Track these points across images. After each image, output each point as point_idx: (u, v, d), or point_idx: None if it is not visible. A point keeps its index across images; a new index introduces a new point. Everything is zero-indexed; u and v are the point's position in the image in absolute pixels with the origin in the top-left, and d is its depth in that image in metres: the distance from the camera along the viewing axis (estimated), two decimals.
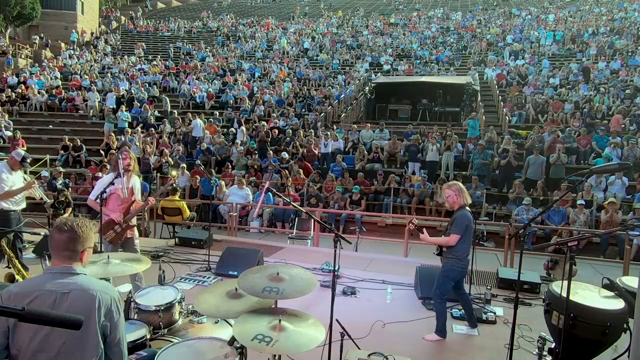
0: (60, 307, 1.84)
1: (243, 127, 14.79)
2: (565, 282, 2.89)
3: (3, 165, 5.20)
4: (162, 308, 2.96)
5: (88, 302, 1.89)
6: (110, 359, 2.02)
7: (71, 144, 14.11)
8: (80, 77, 21.19)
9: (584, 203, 8.94)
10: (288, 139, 13.93)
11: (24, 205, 5.44)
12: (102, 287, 1.99)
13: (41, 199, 5.82)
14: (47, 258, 5.32)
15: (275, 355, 2.67)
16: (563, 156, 10.77)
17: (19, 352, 1.84)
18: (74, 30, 27.72)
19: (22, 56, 24.85)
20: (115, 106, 17.00)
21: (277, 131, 14.44)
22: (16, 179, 5.25)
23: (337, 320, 3.21)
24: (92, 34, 29.33)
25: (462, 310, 4.64)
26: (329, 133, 13.29)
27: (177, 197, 8.90)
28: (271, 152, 12.63)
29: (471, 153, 11.76)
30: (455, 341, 4.30)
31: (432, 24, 29.99)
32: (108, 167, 8.43)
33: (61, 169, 11.52)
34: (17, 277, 4.48)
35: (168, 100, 17.79)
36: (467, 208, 4.19)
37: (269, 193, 8.94)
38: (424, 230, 4.28)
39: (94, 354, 1.91)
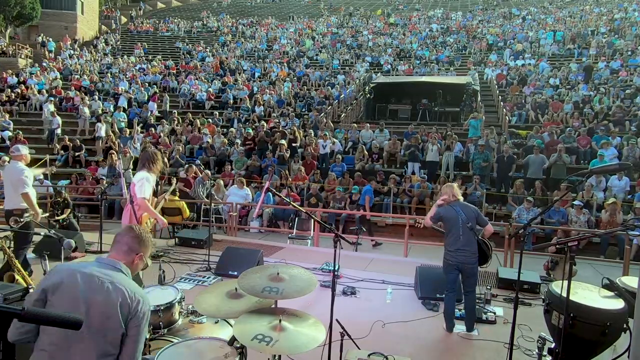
0: (100, 292, 1.92)
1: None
2: (565, 282, 2.90)
3: (21, 167, 5.21)
4: (162, 308, 2.95)
5: (116, 298, 1.93)
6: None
7: (71, 144, 14.09)
8: (80, 77, 21.19)
9: (580, 204, 8.93)
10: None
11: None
12: (136, 292, 1.99)
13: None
14: (46, 258, 5.30)
15: (275, 355, 2.67)
16: (564, 156, 10.76)
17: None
18: (50, 39, 27.41)
19: (22, 56, 24.81)
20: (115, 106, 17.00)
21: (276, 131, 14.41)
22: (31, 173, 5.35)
23: (337, 320, 3.20)
24: (75, 40, 29.04)
25: (463, 311, 4.62)
26: (327, 133, 13.28)
27: (176, 198, 8.90)
28: (271, 152, 12.62)
29: (472, 153, 11.74)
30: (455, 341, 4.30)
31: (432, 24, 29.98)
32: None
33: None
34: (17, 277, 4.48)
35: (168, 99, 17.79)
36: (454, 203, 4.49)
37: (269, 193, 8.95)
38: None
39: (111, 347, 1.92)
